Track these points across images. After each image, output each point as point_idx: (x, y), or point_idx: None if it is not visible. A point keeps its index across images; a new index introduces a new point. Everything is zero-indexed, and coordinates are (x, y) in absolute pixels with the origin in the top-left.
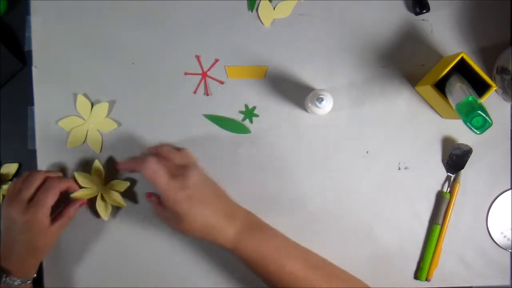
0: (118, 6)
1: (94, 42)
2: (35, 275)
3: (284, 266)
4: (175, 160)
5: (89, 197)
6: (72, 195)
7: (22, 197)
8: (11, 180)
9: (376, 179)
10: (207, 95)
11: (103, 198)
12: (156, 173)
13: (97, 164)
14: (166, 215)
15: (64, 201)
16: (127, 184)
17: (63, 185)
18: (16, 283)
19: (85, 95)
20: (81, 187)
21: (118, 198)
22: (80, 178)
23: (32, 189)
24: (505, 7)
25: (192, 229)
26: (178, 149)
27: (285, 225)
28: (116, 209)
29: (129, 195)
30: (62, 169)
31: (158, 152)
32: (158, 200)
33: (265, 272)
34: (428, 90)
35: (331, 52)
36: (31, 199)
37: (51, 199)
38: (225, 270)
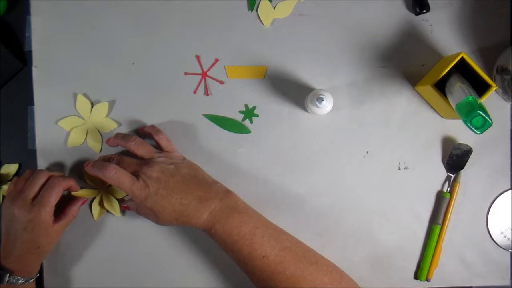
0: (118, 6)
1: (94, 42)
2: (38, 274)
3: (257, 250)
4: (143, 155)
5: (90, 197)
6: (74, 193)
7: (26, 195)
8: (11, 180)
9: (376, 179)
10: (207, 95)
11: (101, 201)
12: (118, 179)
13: None
14: (144, 212)
15: (66, 200)
16: None
17: (65, 184)
18: (19, 282)
19: (85, 95)
20: (79, 189)
21: (115, 205)
22: (88, 174)
23: (36, 188)
24: (505, 7)
25: (166, 219)
26: (155, 133)
27: (285, 225)
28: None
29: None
30: (62, 169)
31: (128, 147)
32: (133, 202)
33: (239, 255)
34: (428, 90)
35: (331, 52)
36: (34, 198)
37: (54, 197)
38: (225, 270)
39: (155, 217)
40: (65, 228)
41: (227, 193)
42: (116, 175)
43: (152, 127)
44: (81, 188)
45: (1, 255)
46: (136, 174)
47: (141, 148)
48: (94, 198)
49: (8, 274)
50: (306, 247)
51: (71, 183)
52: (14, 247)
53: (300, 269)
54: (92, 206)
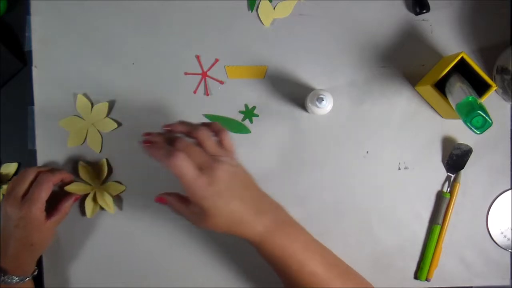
0: (118, 6)
1: (94, 42)
2: (36, 272)
3: (306, 266)
4: (208, 148)
5: (83, 193)
6: (66, 188)
7: (16, 193)
8: (11, 180)
9: (376, 179)
10: (207, 95)
11: (94, 198)
12: (181, 169)
13: (103, 162)
14: (191, 211)
15: (59, 196)
16: (123, 188)
17: (55, 178)
18: (14, 281)
19: (85, 95)
20: (73, 179)
21: (109, 202)
22: (83, 170)
23: (25, 185)
24: (505, 7)
25: (219, 225)
26: (219, 131)
27: None
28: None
29: (117, 199)
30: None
31: (195, 136)
32: (178, 197)
33: (287, 271)
34: (428, 90)
35: (331, 52)
36: (24, 195)
37: (44, 193)
38: (225, 270)
39: (205, 219)
40: (58, 224)
41: (278, 206)
42: (181, 164)
43: (215, 123)
44: (75, 181)
45: None
46: (199, 168)
47: (209, 141)
48: (87, 195)
49: (2, 274)
50: (346, 265)
51: (63, 175)
52: (7, 246)
53: (345, 285)
54: (86, 203)
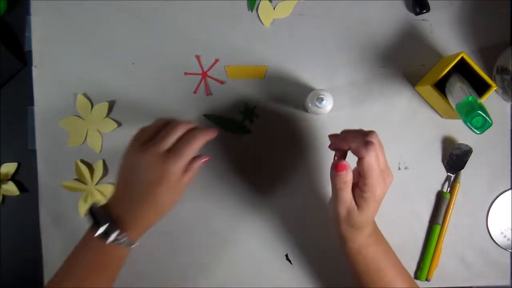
0: (118, 6)
1: (94, 42)
2: (136, 244)
3: (395, 282)
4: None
5: (80, 191)
6: (61, 184)
7: (162, 145)
8: (10, 179)
9: None
10: (207, 95)
11: (86, 198)
12: (375, 163)
13: (100, 163)
14: (352, 200)
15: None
16: None
17: (205, 138)
18: (123, 241)
19: (85, 95)
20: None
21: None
22: (78, 169)
23: (173, 139)
24: (505, 7)
25: (354, 224)
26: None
27: (285, 225)
28: None
29: None
30: (62, 169)
31: (371, 140)
32: (352, 183)
33: (376, 283)
34: (428, 90)
35: (331, 52)
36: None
37: (193, 152)
38: (225, 270)
39: (354, 213)
40: (188, 185)
41: (373, 219)
42: (377, 156)
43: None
44: (74, 179)
45: (112, 205)
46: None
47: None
48: (84, 194)
49: (116, 228)
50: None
51: (211, 134)
52: (131, 200)
53: None
54: (79, 202)
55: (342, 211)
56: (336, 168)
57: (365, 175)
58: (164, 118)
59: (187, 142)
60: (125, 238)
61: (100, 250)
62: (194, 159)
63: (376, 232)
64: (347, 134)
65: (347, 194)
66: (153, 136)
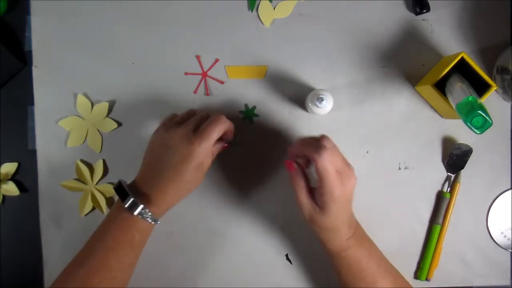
0: (118, 6)
1: (94, 42)
2: (158, 222)
3: (378, 283)
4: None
5: (80, 191)
6: (61, 184)
7: (189, 126)
8: (10, 179)
9: (376, 179)
10: (207, 95)
11: (86, 198)
12: (329, 166)
13: (100, 163)
14: (311, 203)
15: None
16: None
17: (228, 125)
18: (147, 217)
19: (85, 95)
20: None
21: (102, 203)
22: (78, 169)
23: (200, 122)
24: (505, 7)
25: (323, 226)
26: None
27: (285, 225)
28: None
29: (110, 201)
30: (62, 169)
31: (323, 144)
32: (307, 186)
33: (359, 283)
34: (428, 90)
35: (331, 52)
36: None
37: (217, 133)
38: (224, 270)
39: (318, 217)
40: (209, 167)
41: (357, 221)
42: (331, 160)
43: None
44: (74, 179)
45: (138, 181)
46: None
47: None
48: (84, 194)
49: (141, 201)
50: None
51: (231, 127)
52: (157, 178)
53: None
54: (79, 202)
55: (305, 214)
56: (285, 165)
57: (321, 178)
58: (194, 109)
59: (212, 125)
60: (149, 213)
61: (125, 224)
62: (217, 142)
63: (357, 234)
64: (300, 142)
65: (304, 198)
66: (180, 121)
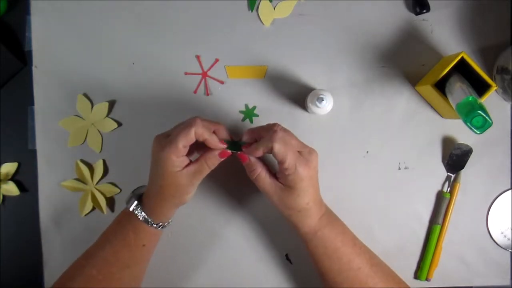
0: (118, 7)
1: (94, 42)
2: (170, 221)
3: (354, 260)
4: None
5: (80, 191)
6: (61, 184)
7: (164, 133)
8: (10, 179)
9: (376, 179)
10: (207, 95)
11: (86, 198)
12: (287, 144)
13: (100, 163)
14: (276, 186)
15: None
16: (117, 190)
17: (199, 130)
18: (141, 215)
19: (85, 95)
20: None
21: (102, 203)
22: (78, 169)
23: (176, 130)
24: (505, 7)
25: (295, 207)
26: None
27: (285, 225)
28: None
29: (110, 201)
30: (62, 169)
31: (274, 129)
32: (268, 171)
33: (335, 264)
34: (428, 90)
35: (331, 52)
36: None
37: (182, 137)
38: (224, 270)
39: (286, 198)
40: (196, 178)
41: (319, 202)
42: (287, 138)
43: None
44: (74, 179)
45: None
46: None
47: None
48: (84, 194)
49: (144, 214)
50: (388, 266)
51: (216, 127)
52: (149, 189)
53: (388, 287)
54: (79, 202)
55: (273, 198)
56: (240, 158)
57: (282, 160)
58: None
59: (179, 129)
60: (143, 213)
61: (131, 225)
62: (209, 150)
63: (328, 213)
64: (253, 131)
65: (268, 182)
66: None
